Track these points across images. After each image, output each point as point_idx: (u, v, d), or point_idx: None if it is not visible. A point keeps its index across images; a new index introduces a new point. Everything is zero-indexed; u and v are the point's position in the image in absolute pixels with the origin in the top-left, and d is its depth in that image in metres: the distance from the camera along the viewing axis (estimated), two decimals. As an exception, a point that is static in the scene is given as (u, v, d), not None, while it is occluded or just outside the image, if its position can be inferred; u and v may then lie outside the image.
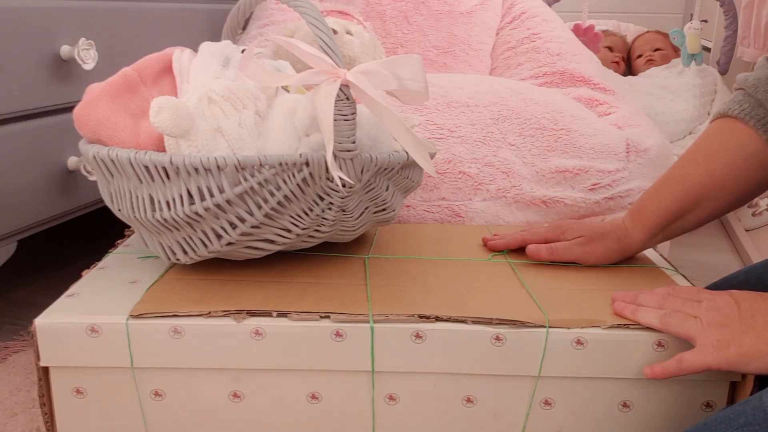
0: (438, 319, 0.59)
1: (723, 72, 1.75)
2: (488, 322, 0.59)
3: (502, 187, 0.97)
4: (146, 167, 0.58)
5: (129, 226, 0.82)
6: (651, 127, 1.07)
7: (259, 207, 0.60)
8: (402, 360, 0.59)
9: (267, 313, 0.59)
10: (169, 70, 0.66)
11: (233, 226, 0.61)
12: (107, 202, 0.65)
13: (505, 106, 1.03)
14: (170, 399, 0.61)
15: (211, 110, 0.59)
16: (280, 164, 0.58)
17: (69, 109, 0.95)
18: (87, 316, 0.59)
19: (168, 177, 0.58)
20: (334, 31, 0.94)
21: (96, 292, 0.64)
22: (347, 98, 0.57)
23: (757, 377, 0.55)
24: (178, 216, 0.59)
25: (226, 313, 0.59)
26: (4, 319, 1.03)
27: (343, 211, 0.64)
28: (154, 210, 0.60)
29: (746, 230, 1.49)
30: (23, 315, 1.04)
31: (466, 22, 1.38)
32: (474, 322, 0.59)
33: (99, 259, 0.72)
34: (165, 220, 0.60)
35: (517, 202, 0.98)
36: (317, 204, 0.62)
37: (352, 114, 0.58)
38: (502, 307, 0.61)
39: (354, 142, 0.59)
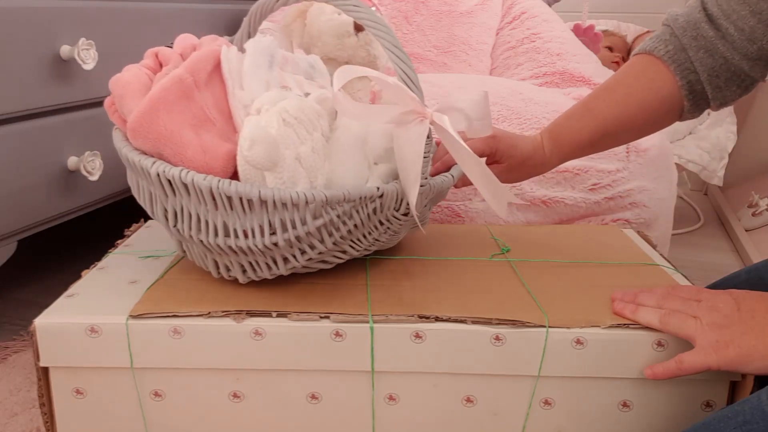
0: (438, 319, 0.59)
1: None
2: (488, 321, 0.59)
3: (502, 187, 0.97)
4: (228, 197, 0.56)
5: (129, 226, 0.82)
6: (651, 127, 1.07)
7: (330, 235, 0.59)
8: (402, 360, 0.59)
9: (267, 314, 0.59)
10: (217, 69, 0.63)
11: (303, 253, 0.61)
12: (157, 214, 0.61)
13: (505, 106, 1.03)
14: (170, 399, 0.61)
15: (288, 135, 0.57)
16: (361, 198, 0.58)
17: (69, 109, 0.96)
18: (87, 316, 0.59)
19: (251, 209, 0.56)
20: (362, 28, 0.92)
21: (96, 292, 0.64)
22: (428, 137, 0.58)
23: (757, 377, 0.55)
24: (256, 246, 0.58)
25: (226, 314, 0.59)
26: (4, 319, 1.03)
27: (396, 233, 0.66)
28: (228, 237, 0.58)
29: (746, 230, 1.49)
30: (23, 315, 1.04)
31: (466, 22, 1.38)
32: (474, 322, 0.59)
33: (99, 259, 0.72)
34: (239, 247, 0.59)
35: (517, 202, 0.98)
36: (376, 229, 0.63)
37: (429, 152, 0.59)
38: (501, 307, 0.61)
39: (426, 178, 0.61)
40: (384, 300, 0.62)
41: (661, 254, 0.77)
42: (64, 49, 0.91)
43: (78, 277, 0.67)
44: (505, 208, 0.64)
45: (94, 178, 0.96)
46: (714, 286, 0.66)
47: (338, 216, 0.58)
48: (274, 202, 0.55)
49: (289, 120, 0.58)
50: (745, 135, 1.77)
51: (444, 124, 0.57)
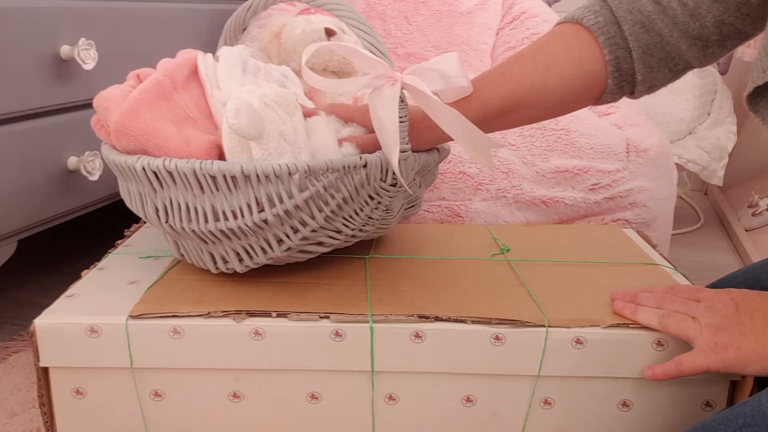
0: (437, 318, 0.59)
1: (723, 72, 1.75)
2: (488, 321, 0.59)
3: (502, 187, 0.97)
4: (212, 177, 0.56)
5: (129, 227, 0.82)
6: (651, 127, 1.07)
7: (320, 210, 0.60)
8: (402, 360, 0.59)
9: (266, 314, 0.59)
10: (194, 74, 0.65)
11: (295, 231, 0.61)
12: (149, 214, 0.62)
13: (505, 106, 1.03)
14: (170, 399, 0.61)
15: (270, 114, 0.59)
16: (344, 167, 0.58)
17: (69, 109, 0.95)
18: (86, 316, 0.59)
19: (236, 186, 0.57)
20: (334, 32, 0.93)
21: (96, 292, 0.64)
22: (401, 100, 0.58)
23: (757, 377, 0.55)
24: (246, 225, 0.58)
25: (226, 314, 0.59)
26: (4, 319, 1.03)
27: (387, 210, 0.65)
28: (217, 220, 0.59)
29: (746, 230, 1.49)
30: (23, 315, 1.04)
31: (466, 22, 1.38)
32: (473, 322, 0.59)
33: (99, 259, 0.72)
34: (230, 229, 0.59)
35: (517, 202, 0.98)
36: (367, 204, 0.63)
37: (406, 116, 0.59)
38: (501, 306, 0.61)
39: (408, 143, 0.60)
40: (384, 300, 0.62)
41: (661, 254, 0.77)
42: (64, 49, 0.91)
43: (78, 277, 0.67)
44: (491, 159, 0.62)
45: (94, 178, 0.96)
46: (711, 287, 0.66)
47: (325, 188, 0.58)
48: (258, 175, 0.56)
49: (270, 103, 0.59)
50: (745, 135, 1.77)
51: (416, 84, 0.58)
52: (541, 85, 0.63)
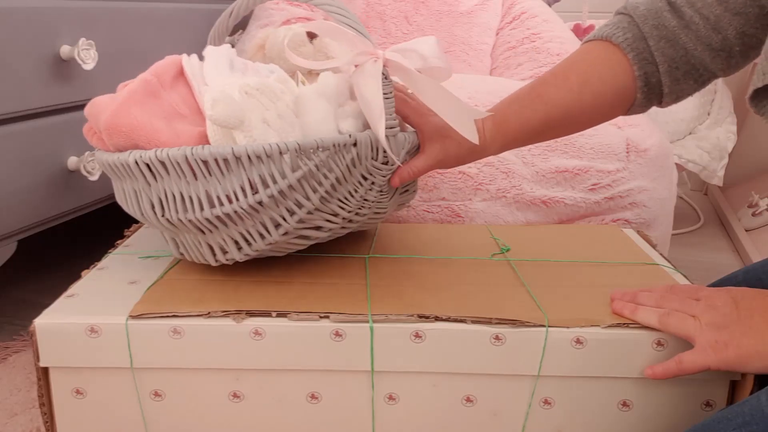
0: (437, 318, 0.59)
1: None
2: (488, 321, 0.59)
3: (502, 187, 0.97)
4: (204, 162, 0.57)
5: (128, 227, 0.82)
6: (651, 127, 1.07)
7: (315, 191, 0.60)
8: (401, 360, 0.59)
9: (266, 313, 0.59)
10: (180, 75, 0.66)
11: (291, 213, 0.61)
12: (145, 211, 0.62)
13: (504, 106, 1.03)
14: (170, 399, 0.61)
15: (252, 102, 0.59)
16: (334, 145, 0.59)
17: (69, 109, 0.95)
18: (86, 316, 0.59)
19: (228, 169, 0.58)
20: (315, 35, 0.94)
21: (96, 292, 0.64)
22: (386, 77, 0.59)
23: (757, 376, 0.55)
24: (242, 208, 0.59)
25: (226, 314, 0.59)
26: (4, 319, 1.03)
27: (381, 191, 0.66)
28: (213, 206, 0.59)
29: (746, 230, 1.49)
30: (23, 315, 1.04)
31: (466, 22, 1.38)
32: (473, 322, 0.59)
33: (99, 259, 0.72)
34: (226, 215, 0.59)
35: (517, 202, 0.98)
36: (361, 185, 0.63)
37: (391, 92, 0.60)
38: (501, 306, 0.61)
39: (395, 119, 0.60)
40: (384, 300, 0.62)
41: (661, 254, 0.77)
42: (64, 49, 0.91)
43: (78, 277, 0.67)
44: (475, 130, 0.62)
45: (94, 178, 0.96)
46: (711, 287, 0.66)
47: (317, 167, 0.59)
48: (249, 156, 0.57)
49: (251, 92, 0.60)
50: (745, 135, 1.77)
51: (398, 59, 0.59)
52: (576, 106, 0.65)
